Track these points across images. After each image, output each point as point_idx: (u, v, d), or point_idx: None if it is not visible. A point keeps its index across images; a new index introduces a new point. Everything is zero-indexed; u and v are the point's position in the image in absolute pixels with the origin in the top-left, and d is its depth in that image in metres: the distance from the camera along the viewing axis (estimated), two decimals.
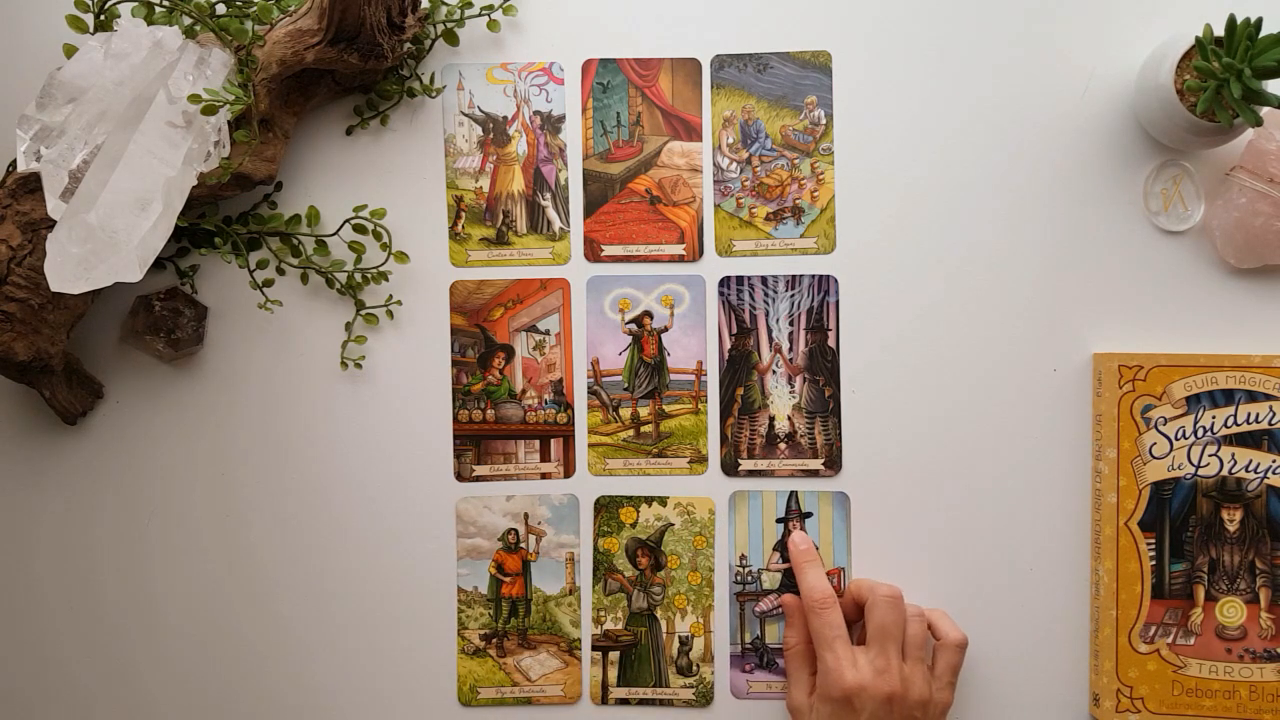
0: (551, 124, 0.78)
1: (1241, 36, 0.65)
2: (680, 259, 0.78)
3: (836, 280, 0.78)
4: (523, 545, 0.78)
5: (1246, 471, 0.74)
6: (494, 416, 0.78)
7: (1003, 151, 0.77)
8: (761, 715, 0.77)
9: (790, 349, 0.78)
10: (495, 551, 0.78)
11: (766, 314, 0.78)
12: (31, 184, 0.67)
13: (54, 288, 0.62)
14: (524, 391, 0.78)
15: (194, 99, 0.64)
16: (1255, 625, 0.74)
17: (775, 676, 0.77)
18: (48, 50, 0.74)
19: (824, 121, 0.78)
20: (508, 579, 0.78)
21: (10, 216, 0.66)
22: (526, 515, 0.78)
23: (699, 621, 0.78)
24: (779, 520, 0.78)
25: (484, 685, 0.78)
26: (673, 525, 0.78)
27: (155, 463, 0.78)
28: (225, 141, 0.69)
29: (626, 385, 0.78)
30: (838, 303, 0.78)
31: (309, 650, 0.78)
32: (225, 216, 0.77)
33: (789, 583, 0.77)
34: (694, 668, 0.77)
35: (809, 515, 0.77)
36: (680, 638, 0.78)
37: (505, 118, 0.78)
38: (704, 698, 0.77)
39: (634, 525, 0.78)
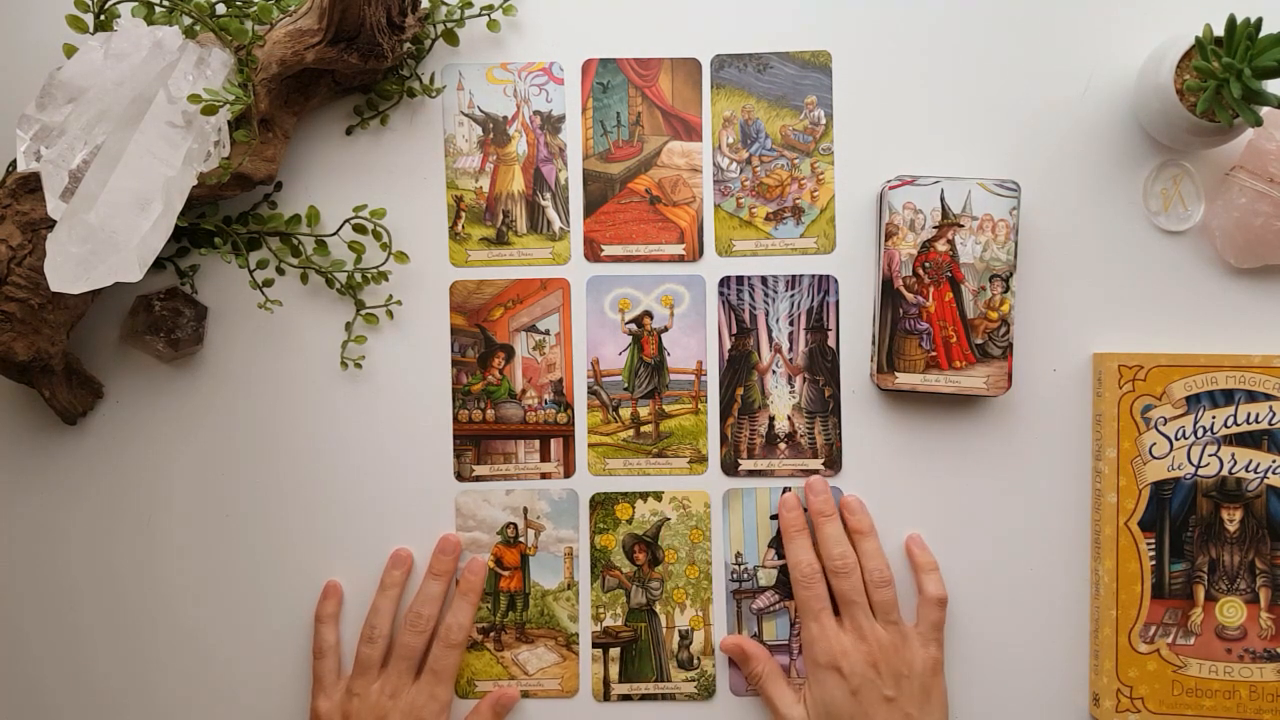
0: (551, 124, 0.78)
1: (1241, 36, 0.65)
2: (680, 259, 0.78)
3: (836, 280, 0.78)
4: (521, 539, 0.78)
5: (1246, 471, 0.74)
6: (494, 416, 0.78)
7: (1002, 152, 0.77)
8: (763, 708, 0.77)
9: (790, 349, 0.78)
10: (494, 545, 0.78)
11: (766, 314, 0.78)
12: (31, 184, 0.67)
13: (54, 288, 0.62)
14: (524, 391, 0.78)
15: (194, 99, 0.64)
16: (1255, 625, 0.74)
17: None
18: (48, 50, 0.74)
19: (824, 121, 0.78)
20: (506, 573, 0.78)
21: (10, 216, 0.67)
22: (526, 509, 0.78)
23: (698, 615, 0.78)
24: (773, 517, 0.78)
25: (481, 678, 0.78)
26: (669, 520, 0.78)
27: (155, 463, 0.78)
28: (225, 141, 0.69)
29: (626, 385, 0.78)
30: (838, 303, 0.78)
31: (309, 648, 0.78)
32: (225, 216, 0.77)
33: (785, 579, 0.77)
34: (695, 661, 0.78)
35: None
36: (680, 631, 0.78)
37: (505, 118, 0.78)
38: (706, 691, 0.78)
39: (630, 521, 0.78)
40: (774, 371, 0.78)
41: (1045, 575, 0.77)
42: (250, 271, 0.77)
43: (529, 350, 0.78)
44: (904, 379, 0.74)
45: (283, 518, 0.78)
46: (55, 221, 0.63)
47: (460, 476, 0.78)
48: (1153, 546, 0.74)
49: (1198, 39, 0.68)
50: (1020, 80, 0.77)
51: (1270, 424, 0.74)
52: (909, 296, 0.74)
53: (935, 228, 0.73)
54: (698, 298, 0.78)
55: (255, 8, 0.73)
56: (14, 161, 0.69)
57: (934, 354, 0.74)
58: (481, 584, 0.77)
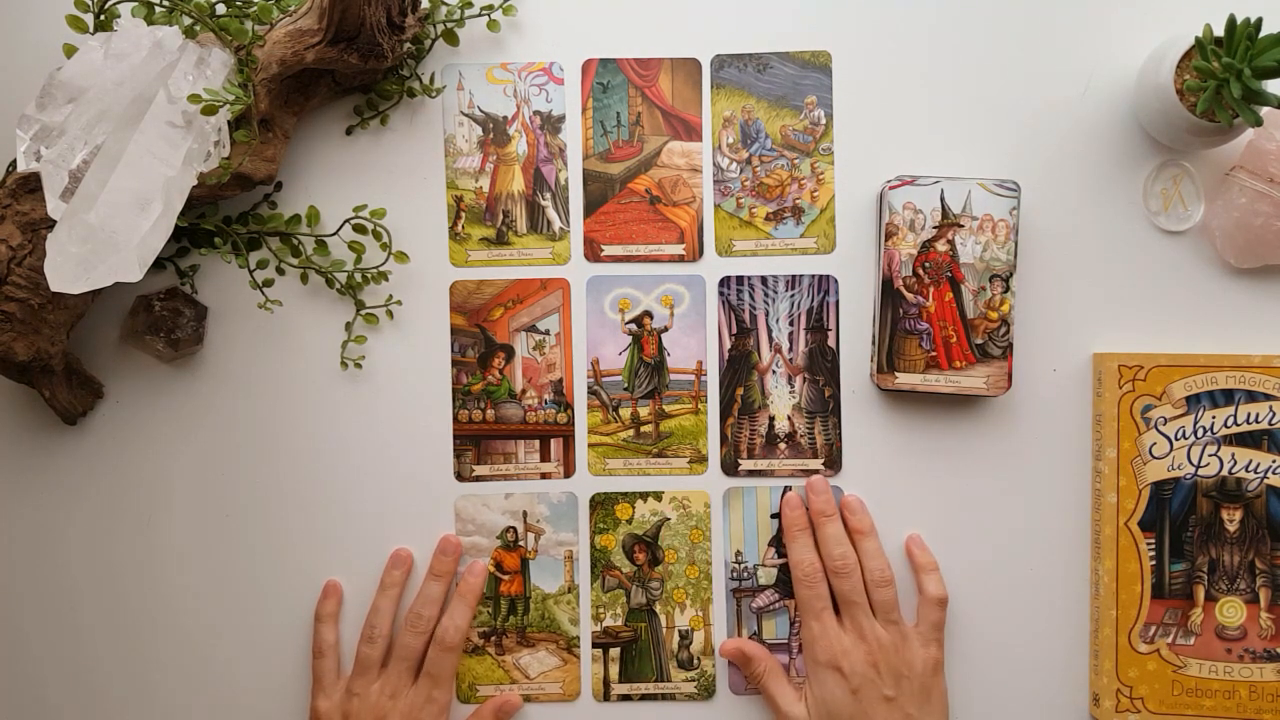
0: (551, 124, 0.78)
1: (1241, 36, 0.65)
2: (680, 259, 0.78)
3: (836, 280, 0.78)
4: (521, 543, 0.78)
5: (1246, 471, 0.74)
6: (494, 416, 0.78)
7: (1002, 152, 0.77)
8: (763, 708, 0.77)
9: (790, 349, 0.78)
10: (494, 549, 0.78)
11: (766, 314, 0.78)
12: (31, 184, 0.67)
13: (54, 288, 0.62)
14: (524, 391, 0.78)
15: (194, 99, 0.64)
16: (1255, 625, 0.74)
17: None
18: (48, 50, 0.74)
19: (824, 121, 0.78)
20: (506, 577, 0.78)
21: (10, 216, 0.67)
22: (525, 513, 0.78)
23: (698, 615, 0.78)
24: (773, 516, 0.78)
25: (482, 683, 0.78)
26: (669, 520, 0.78)
27: (155, 463, 0.78)
28: (225, 141, 0.69)
29: (626, 385, 0.78)
30: (838, 303, 0.78)
31: (309, 648, 0.78)
32: (225, 216, 0.77)
33: (785, 578, 0.77)
34: (695, 661, 0.78)
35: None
36: (680, 631, 0.78)
37: (505, 118, 0.78)
38: (706, 690, 0.78)
39: (630, 521, 0.78)
40: (774, 371, 0.78)
41: (1045, 575, 0.77)
42: (250, 271, 0.77)
43: (529, 350, 0.78)
44: (904, 379, 0.74)
45: (283, 518, 0.78)
46: (55, 221, 0.63)
47: (460, 476, 0.78)
48: (1153, 546, 0.74)
49: (1198, 39, 0.68)
50: (1020, 80, 0.77)
51: (1270, 424, 0.74)
52: (909, 296, 0.74)
53: (935, 228, 0.73)
54: (698, 298, 0.78)
55: (255, 8, 0.73)
56: (14, 161, 0.69)
57: (934, 354, 0.74)
58: (481, 587, 0.77)
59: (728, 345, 0.78)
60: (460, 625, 0.75)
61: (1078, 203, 0.77)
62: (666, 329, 0.78)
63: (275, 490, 0.78)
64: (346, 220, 0.77)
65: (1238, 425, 0.74)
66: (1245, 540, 0.74)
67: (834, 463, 0.78)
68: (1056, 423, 0.77)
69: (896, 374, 0.74)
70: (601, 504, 0.78)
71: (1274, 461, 0.74)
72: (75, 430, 0.78)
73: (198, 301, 0.77)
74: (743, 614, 0.78)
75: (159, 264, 0.77)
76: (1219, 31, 0.67)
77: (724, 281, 0.78)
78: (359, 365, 0.78)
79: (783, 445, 0.78)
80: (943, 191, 0.73)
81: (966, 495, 0.77)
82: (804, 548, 0.75)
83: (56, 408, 0.74)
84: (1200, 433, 0.74)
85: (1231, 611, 0.74)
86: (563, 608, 0.78)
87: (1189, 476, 0.74)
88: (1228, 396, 0.74)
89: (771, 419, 0.78)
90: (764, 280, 0.78)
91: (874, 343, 0.76)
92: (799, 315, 0.78)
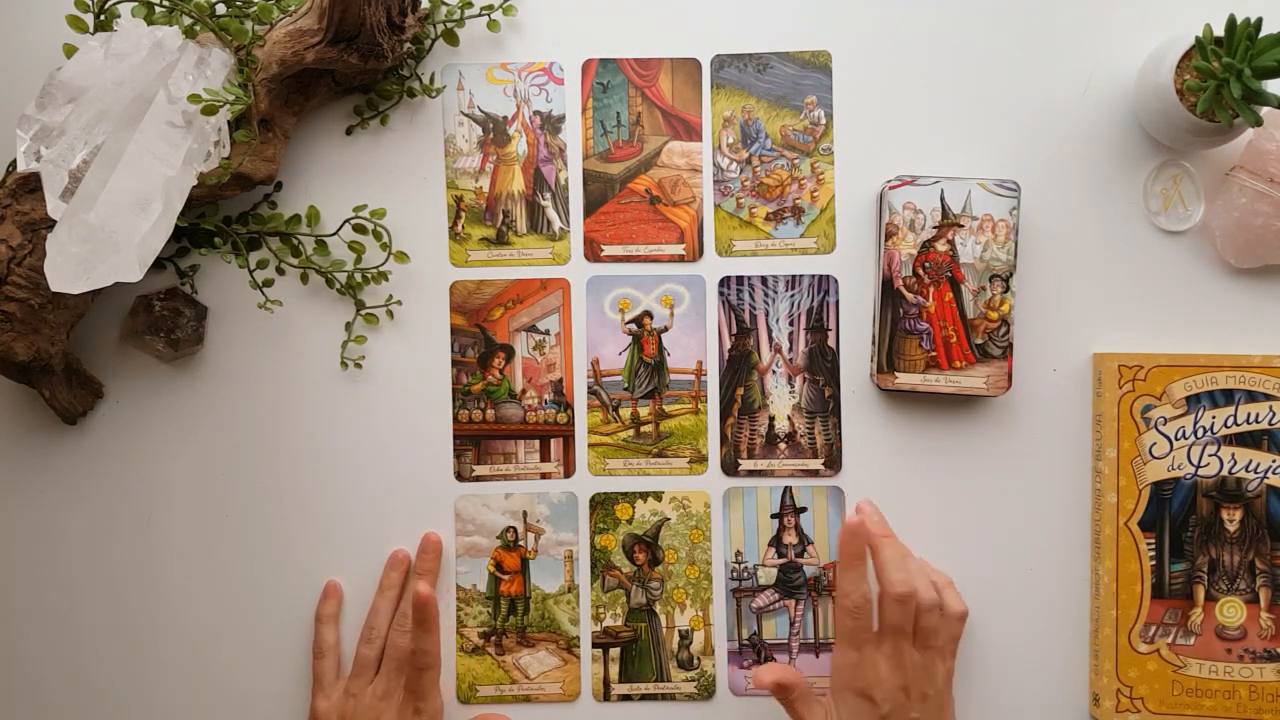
0: (551, 124, 0.78)
1: (1241, 36, 0.65)
2: (680, 259, 0.78)
3: (836, 280, 0.78)
4: (521, 543, 0.78)
5: (1246, 471, 0.74)
6: (494, 416, 0.78)
7: (1002, 152, 0.77)
8: (763, 707, 0.77)
9: (790, 349, 0.78)
10: (494, 549, 0.78)
11: (766, 314, 0.78)
12: (31, 184, 0.67)
13: (54, 288, 0.62)
14: (524, 391, 0.78)
15: (194, 99, 0.64)
16: (1255, 625, 0.74)
17: None
18: (48, 50, 0.74)
19: (824, 121, 0.78)
20: (506, 577, 0.78)
21: (10, 216, 0.67)
22: (525, 513, 0.78)
23: (698, 615, 0.78)
24: (773, 516, 0.78)
25: (483, 683, 0.78)
26: (669, 520, 0.78)
27: (155, 463, 0.78)
28: (225, 141, 0.69)
29: (626, 385, 0.78)
30: (838, 303, 0.78)
31: (309, 648, 0.78)
32: (225, 216, 0.77)
33: (785, 578, 0.77)
34: (695, 661, 0.78)
35: (804, 510, 0.78)
36: (680, 631, 0.78)
37: (505, 118, 0.78)
38: (706, 691, 0.78)
39: (630, 521, 0.78)
40: (774, 371, 0.78)
41: (1045, 575, 0.77)
42: (250, 271, 0.77)
43: (529, 350, 0.78)
44: (904, 379, 0.74)
45: (283, 518, 0.78)
46: (55, 221, 0.63)
47: (460, 476, 0.78)
48: (1153, 546, 0.74)
49: (1198, 39, 0.68)
50: (1020, 80, 0.77)
51: (1270, 424, 0.74)
52: (909, 296, 0.74)
53: (935, 228, 0.73)
54: (698, 298, 0.78)
55: (255, 8, 0.73)
56: (14, 161, 0.69)
57: (934, 354, 0.74)
58: (432, 614, 0.72)
59: (728, 345, 0.78)
60: (426, 649, 0.72)
61: (1078, 203, 0.77)
62: (666, 329, 0.78)
63: (275, 490, 0.78)
64: (346, 220, 0.77)
65: (1238, 425, 0.74)
66: (1245, 540, 0.74)
67: (834, 463, 0.78)
68: (1056, 423, 0.77)
69: (896, 374, 0.74)
70: (601, 504, 0.78)
71: (1274, 461, 0.74)
72: (75, 430, 0.78)
73: (198, 301, 0.77)
74: (743, 614, 0.78)
75: (159, 264, 0.77)
76: (1219, 31, 0.67)
77: (724, 281, 0.78)
78: (359, 365, 0.78)
79: (783, 445, 0.78)
80: (943, 191, 0.73)
81: (966, 495, 0.77)
82: (859, 579, 0.71)
83: (56, 408, 0.74)
84: (1200, 433, 0.74)
85: (1231, 611, 0.74)
86: (563, 608, 0.78)
87: (1189, 476, 0.74)
88: (1228, 396, 0.74)
89: (771, 419, 0.78)
90: (764, 280, 0.78)
91: (874, 343, 0.76)
92: (799, 315, 0.78)
